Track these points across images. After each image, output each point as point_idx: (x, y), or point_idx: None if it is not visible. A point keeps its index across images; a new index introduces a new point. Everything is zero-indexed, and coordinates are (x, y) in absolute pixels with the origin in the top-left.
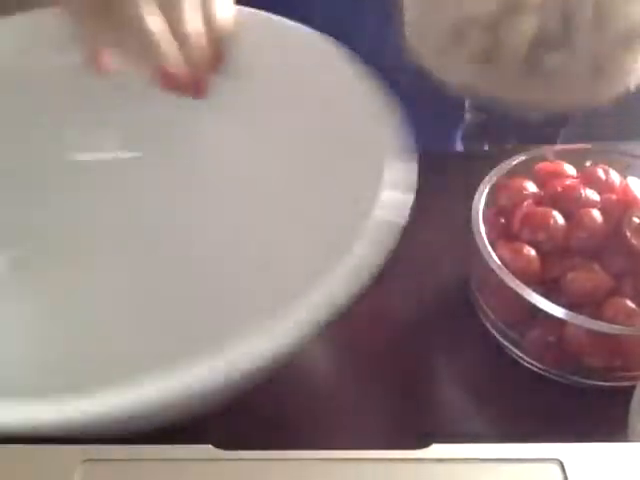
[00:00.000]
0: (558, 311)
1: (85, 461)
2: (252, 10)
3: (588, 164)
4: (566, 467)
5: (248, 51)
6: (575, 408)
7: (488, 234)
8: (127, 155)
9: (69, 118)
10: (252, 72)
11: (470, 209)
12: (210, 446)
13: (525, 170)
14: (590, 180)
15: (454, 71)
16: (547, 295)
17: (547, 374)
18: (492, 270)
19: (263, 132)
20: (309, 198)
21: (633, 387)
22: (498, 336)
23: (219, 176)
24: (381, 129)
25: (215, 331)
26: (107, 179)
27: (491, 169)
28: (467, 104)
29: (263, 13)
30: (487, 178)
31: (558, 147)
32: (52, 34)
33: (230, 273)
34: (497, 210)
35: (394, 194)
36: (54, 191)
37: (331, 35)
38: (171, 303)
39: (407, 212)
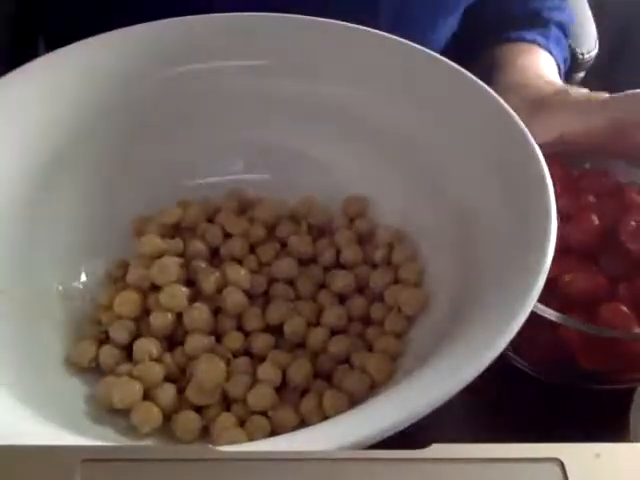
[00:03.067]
0: (551, 314)
1: (85, 461)
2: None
3: (587, 166)
4: (566, 467)
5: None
6: (575, 408)
7: None
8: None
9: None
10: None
11: None
12: (210, 446)
13: None
14: (587, 183)
15: None
16: (543, 296)
17: (541, 376)
18: None
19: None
20: None
21: (633, 388)
22: None
23: None
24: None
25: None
26: None
27: None
28: None
29: None
30: None
31: (555, 148)
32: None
33: None
34: None
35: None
36: None
37: None
38: None
39: None
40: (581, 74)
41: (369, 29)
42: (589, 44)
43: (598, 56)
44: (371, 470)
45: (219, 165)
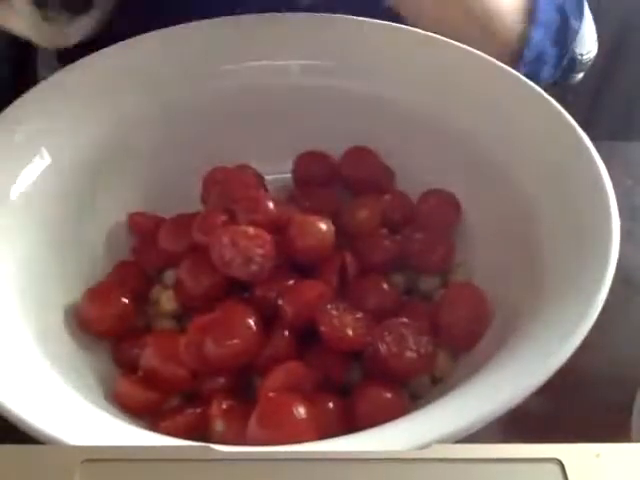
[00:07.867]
0: None
1: (85, 461)
2: None
3: None
4: (566, 467)
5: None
6: (575, 408)
7: None
8: None
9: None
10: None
11: None
12: (210, 446)
13: None
14: None
15: None
16: None
17: None
18: None
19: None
20: None
21: (635, 388)
22: None
23: None
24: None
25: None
26: None
27: None
28: None
29: None
30: None
31: None
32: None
33: None
34: None
35: None
36: None
37: None
38: None
39: None
40: (580, 75)
41: (430, 34)
42: (589, 45)
43: (597, 56)
44: (371, 470)
45: (270, 165)
